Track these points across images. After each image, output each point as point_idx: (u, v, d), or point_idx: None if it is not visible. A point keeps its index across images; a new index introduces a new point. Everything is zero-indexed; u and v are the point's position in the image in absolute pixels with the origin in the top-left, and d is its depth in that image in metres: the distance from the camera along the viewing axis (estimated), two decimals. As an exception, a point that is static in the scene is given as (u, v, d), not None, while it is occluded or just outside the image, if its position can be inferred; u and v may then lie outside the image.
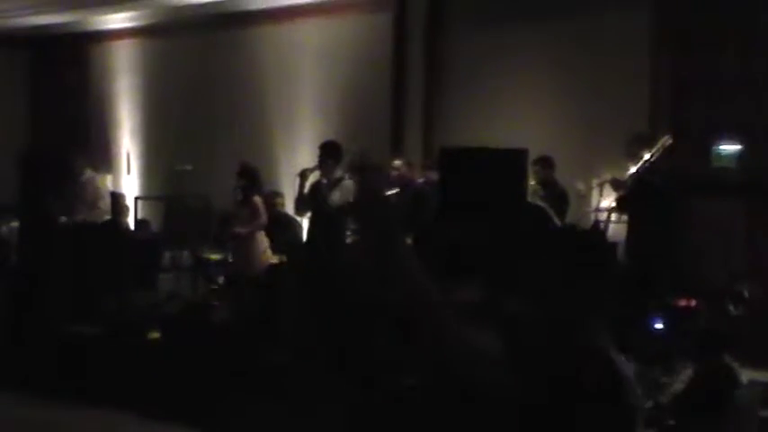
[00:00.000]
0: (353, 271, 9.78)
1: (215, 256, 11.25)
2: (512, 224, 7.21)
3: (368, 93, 13.00)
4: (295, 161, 12.37)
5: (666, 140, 9.22)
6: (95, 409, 8.65)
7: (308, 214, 10.21)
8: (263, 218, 10.33)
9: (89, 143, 15.82)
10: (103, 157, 15.36)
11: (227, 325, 8.83)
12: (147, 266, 11.72)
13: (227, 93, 14.55)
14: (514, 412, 3.24)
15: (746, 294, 8.92)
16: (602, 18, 10.99)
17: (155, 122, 15.81)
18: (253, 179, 10.41)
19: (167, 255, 12.37)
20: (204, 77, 14.81)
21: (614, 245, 9.63)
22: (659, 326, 8.40)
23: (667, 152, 9.21)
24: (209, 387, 8.30)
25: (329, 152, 9.79)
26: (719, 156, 10.14)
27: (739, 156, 10.05)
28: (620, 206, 9.32)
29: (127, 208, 13.99)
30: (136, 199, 15.05)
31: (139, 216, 14.51)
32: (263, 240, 10.38)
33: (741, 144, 10.01)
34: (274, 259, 10.72)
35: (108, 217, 11.09)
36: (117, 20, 15.90)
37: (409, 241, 9.78)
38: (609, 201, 9.45)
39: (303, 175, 9.83)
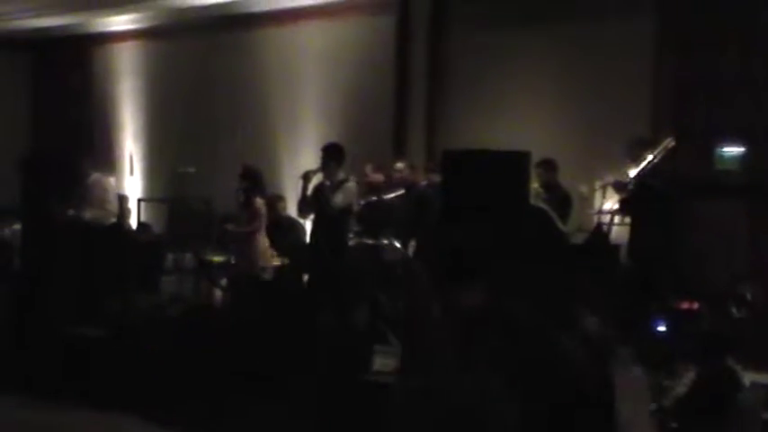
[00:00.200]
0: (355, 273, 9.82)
1: (218, 259, 11.25)
2: (514, 227, 7.23)
3: (371, 95, 13.01)
4: (298, 163, 12.38)
5: (669, 143, 9.23)
6: (98, 412, 8.65)
7: (311, 216, 10.21)
8: (261, 221, 10.34)
9: (92, 145, 15.83)
10: (106, 159, 15.37)
11: (231, 327, 8.83)
12: (149, 269, 11.72)
13: (230, 95, 14.57)
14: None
15: (749, 297, 8.92)
16: (605, 21, 10.99)
17: (158, 124, 15.83)
18: (255, 181, 10.42)
19: (170, 257, 12.38)
20: (207, 80, 14.83)
21: (617, 247, 9.69)
22: (662, 328, 8.40)
23: (670, 155, 9.22)
24: (212, 390, 8.30)
25: (332, 154, 9.79)
26: (722, 158, 10.14)
27: (742, 158, 10.05)
28: (623, 209, 9.33)
29: (129, 210, 14.00)
30: (139, 201, 15.06)
31: (142, 218, 14.52)
32: (263, 242, 10.39)
33: (743, 146, 10.02)
34: (277, 261, 10.73)
35: (114, 219, 11.10)
36: (119, 22, 15.92)
37: (413, 243, 9.84)
38: (611, 203, 9.45)
39: (306, 178, 9.84)
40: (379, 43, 12.98)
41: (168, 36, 15.58)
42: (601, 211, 9.66)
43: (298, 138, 13.68)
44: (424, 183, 10.27)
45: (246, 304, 9.65)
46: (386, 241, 9.97)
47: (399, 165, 10.55)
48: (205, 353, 8.53)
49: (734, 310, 8.77)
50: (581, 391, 3.46)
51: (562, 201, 9.74)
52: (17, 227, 12.02)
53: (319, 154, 9.95)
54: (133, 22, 15.80)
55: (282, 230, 11.24)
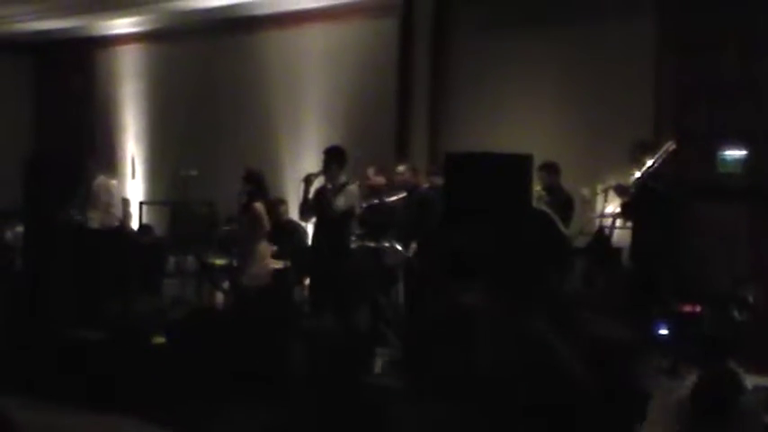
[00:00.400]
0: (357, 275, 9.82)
1: (220, 262, 11.25)
2: (516, 230, 7.23)
3: (373, 98, 13.01)
4: (300, 166, 12.38)
5: (670, 146, 9.23)
6: (99, 414, 8.65)
7: (313, 219, 10.21)
8: (266, 224, 10.32)
9: (94, 148, 15.85)
10: (108, 162, 15.38)
11: (232, 330, 8.83)
12: (150, 271, 11.72)
13: (233, 98, 14.57)
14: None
15: (751, 300, 8.92)
16: (607, 24, 10.99)
17: (160, 127, 15.84)
18: (258, 184, 10.41)
19: (172, 260, 12.38)
20: (209, 83, 14.84)
21: (619, 250, 9.69)
22: (664, 331, 8.40)
23: (671, 158, 9.22)
24: (213, 393, 8.30)
25: (334, 157, 9.80)
26: (723, 161, 10.14)
27: (743, 161, 10.05)
28: (625, 212, 9.33)
29: (131, 213, 14.01)
30: (141, 204, 15.07)
31: (144, 221, 14.53)
32: (264, 245, 10.38)
33: (745, 149, 10.01)
34: (278, 264, 10.73)
35: (118, 222, 11.12)
36: (122, 25, 15.93)
37: (414, 246, 9.84)
38: (613, 206, 9.45)
39: (308, 181, 9.84)
40: (382, 46, 12.98)
41: (171, 39, 15.59)
42: (603, 215, 9.66)
43: (300, 140, 13.69)
44: (426, 185, 10.27)
45: (248, 307, 9.66)
46: (387, 244, 9.97)
47: (401, 168, 10.55)
48: (206, 355, 8.53)
49: (735, 313, 8.76)
50: (574, 396, 3.46)
51: (564, 204, 9.74)
52: (19, 229, 12.04)
53: (321, 157, 9.95)
54: (135, 25, 15.81)
55: (284, 234, 11.24)
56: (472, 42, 12.22)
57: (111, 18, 15.55)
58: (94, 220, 10.98)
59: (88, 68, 17.01)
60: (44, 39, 16.56)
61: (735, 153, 10.03)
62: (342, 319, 8.53)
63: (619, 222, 9.54)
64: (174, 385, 8.52)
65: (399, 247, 9.86)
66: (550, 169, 9.86)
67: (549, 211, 9.42)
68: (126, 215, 13.21)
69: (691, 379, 6.89)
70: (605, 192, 9.50)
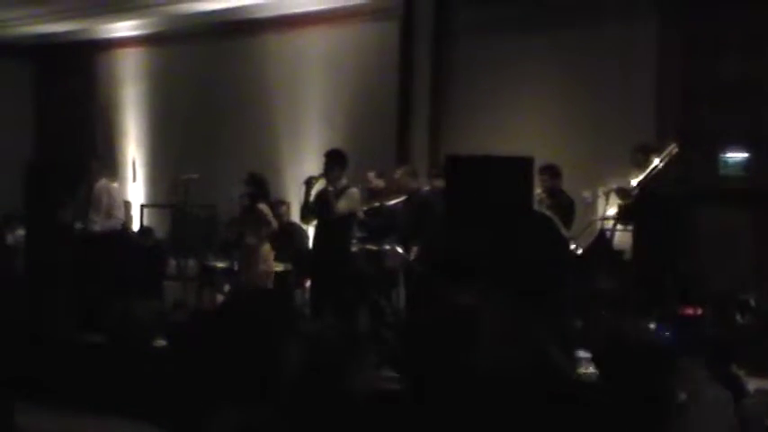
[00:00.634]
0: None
1: (221, 265, 11.25)
2: (518, 233, 7.21)
3: (374, 101, 13.01)
4: (301, 169, 12.38)
5: (672, 149, 9.22)
6: (99, 416, 8.64)
7: (314, 222, 10.20)
8: (273, 224, 10.33)
9: (95, 151, 15.84)
10: (110, 165, 15.37)
11: (234, 334, 8.80)
12: (151, 274, 11.71)
13: (234, 101, 14.57)
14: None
15: (753, 302, 8.91)
16: (609, 26, 11.00)
17: (160, 131, 15.84)
18: (260, 187, 10.41)
19: (173, 263, 12.37)
20: (210, 86, 14.84)
21: (621, 253, 9.68)
22: (665, 334, 8.38)
23: (673, 160, 9.21)
24: (214, 396, 8.27)
25: (335, 160, 9.79)
26: (725, 163, 10.14)
27: (745, 163, 10.05)
28: (626, 215, 9.32)
29: (132, 216, 14.00)
30: (142, 207, 15.06)
31: (145, 224, 14.52)
32: (269, 248, 10.38)
33: (747, 152, 10.01)
34: (279, 267, 10.72)
35: (120, 226, 11.11)
36: (123, 28, 15.93)
37: (415, 249, 9.83)
38: (615, 209, 9.44)
39: (309, 183, 9.83)
40: (383, 49, 12.99)
41: (171, 42, 15.59)
42: (604, 217, 9.65)
43: (301, 143, 13.69)
44: (426, 188, 10.26)
45: (248, 310, 9.63)
46: (388, 247, 9.96)
47: (398, 171, 10.55)
48: (207, 358, 8.50)
49: (737, 316, 8.75)
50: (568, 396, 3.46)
51: (565, 207, 9.72)
52: (21, 232, 12.03)
53: (322, 160, 9.95)
54: (136, 28, 15.82)
55: (285, 236, 11.23)
56: (473, 45, 12.22)
57: (112, 21, 15.56)
58: (96, 223, 10.97)
59: (89, 72, 17.01)
60: (45, 42, 16.57)
61: (737, 155, 10.03)
62: (342, 322, 8.53)
63: (620, 225, 9.53)
64: (175, 388, 8.50)
65: (400, 250, 9.85)
66: (551, 172, 9.85)
67: (550, 214, 9.41)
68: (127, 218, 13.19)
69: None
70: (607, 194, 9.49)
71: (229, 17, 14.21)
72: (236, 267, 10.79)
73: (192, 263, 11.97)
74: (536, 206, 9.10)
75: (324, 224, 9.84)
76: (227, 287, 10.91)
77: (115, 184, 12.07)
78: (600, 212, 9.72)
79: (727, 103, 10.13)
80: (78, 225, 10.83)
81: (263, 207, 10.28)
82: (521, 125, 11.51)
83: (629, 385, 3.55)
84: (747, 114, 10.07)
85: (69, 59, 17.09)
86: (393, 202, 10.37)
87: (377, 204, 10.43)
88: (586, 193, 9.83)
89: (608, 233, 9.63)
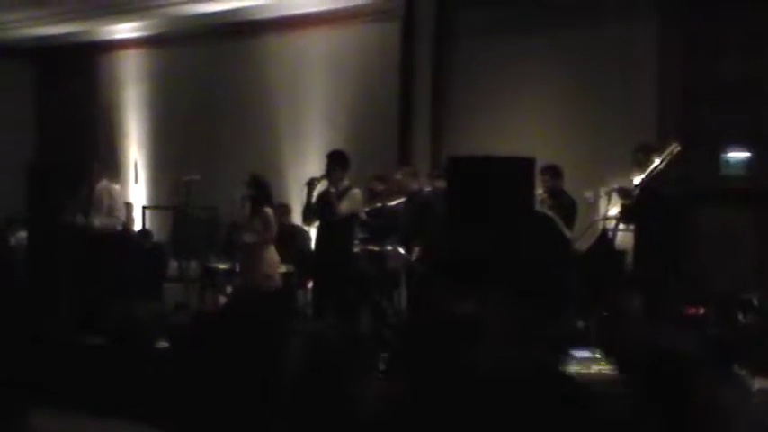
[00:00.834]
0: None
1: (223, 266, 11.24)
2: (519, 233, 7.22)
3: (376, 102, 13.01)
4: (303, 170, 12.37)
5: (674, 148, 9.22)
6: (99, 418, 8.62)
7: (316, 223, 10.21)
8: (274, 229, 10.32)
9: (97, 153, 15.85)
10: (111, 167, 15.38)
11: (237, 335, 8.80)
12: (150, 276, 11.69)
13: (235, 102, 14.57)
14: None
15: (755, 302, 8.90)
16: (609, 26, 11.00)
17: (162, 132, 15.84)
18: (262, 190, 10.39)
19: (175, 264, 12.37)
20: (211, 87, 14.84)
21: (622, 253, 9.68)
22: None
23: (675, 160, 9.21)
24: (215, 398, 8.28)
25: (336, 161, 9.79)
26: (727, 163, 10.14)
27: (747, 163, 10.04)
28: (627, 215, 9.31)
29: (133, 218, 14.00)
30: (143, 208, 15.07)
31: (147, 226, 14.53)
32: (274, 252, 10.38)
33: (748, 151, 10.01)
34: (282, 268, 10.71)
35: (121, 227, 11.11)
36: (124, 30, 15.93)
37: (417, 250, 9.84)
38: (617, 209, 9.44)
39: (311, 185, 9.83)
40: (384, 50, 12.98)
41: (172, 44, 15.59)
42: (606, 217, 9.65)
43: (302, 145, 13.69)
44: (428, 189, 10.26)
45: (251, 312, 9.63)
46: (390, 248, 9.97)
47: (400, 172, 10.56)
48: (209, 360, 8.50)
49: (740, 316, 8.75)
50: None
51: (567, 207, 9.72)
52: (23, 234, 12.04)
53: (324, 161, 9.95)
54: (137, 30, 15.82)
55: (287, 238, 11.22)
56: (474, 45, 12.22)
57: (113, 23, 15.56)
58: (97, 224, 10.97)
59: (90, 74, 17.01)
60: (46, 44, 16.57)
61: (738, 155, 10.03)
62: (344, 322, 8.53)
63: (622, 225, 9.53)
64: (177, 390, 8.50)
65: (402, 251, 9.86)
66: (553, 172, 9.84)
67: (552, 214, 9.41)
68: (128, 220, 13.19)
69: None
70: (608, 194, 9.49)
71: (230, 18, 14.21)
72: (238, 269, 10.77)
73: (193, 264, 11.96)
74: (537, 207, 9.10)
75: (326, 225, 9.84)
76: (229, 288, 10.91)
77: (116, 186, 12.07)
78: (602, 213, 9.72)
79: (728, 103, 10.12)
80: (79, 226, 10.83)
81: (269, 211, 10.28)
82: (522, 126, 11.50)
83: (665, 392, 3.55)
84: (748, 114, 10.07)
85: (70, 61, 17.10)
86: (395, 202, 10.38)
87: (378, 205, 10.43)
88: (588, 194, 9.83)
89: (610, 233, 9.63)
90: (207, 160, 14.09)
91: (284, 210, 11.89)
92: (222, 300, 11.03)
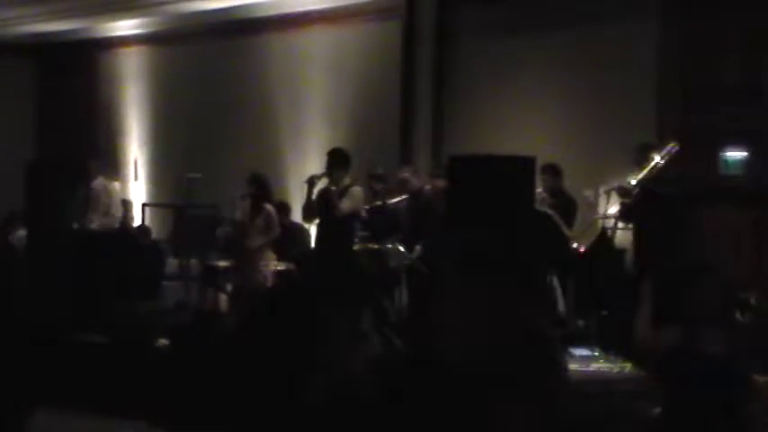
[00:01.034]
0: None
1: (223, 264, 11.25)
2: (520, 231, 7.23)
3: (376, 100, 13.02)
4: (304, 168, 12.38)
5: (672, 147, 9.22)
6: (98, 418, 8.65)
7: (316, 221, 10.22)
8: (277, 228, 10.36)
9: (97, 150, 15.86)
10: (111, 164, 15.38)
11: (237, 335, 8.81)
12: (148, 273, 11.69)
13: (236, 100, 14.58)
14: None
15: (753, 302, 8.91)
16: (610, 26, 11.01)
17: (163, 130, 15.85)
18: (263, 188, 10.41)
19: (176, 263, 12.37)
20: (212, 85, 14.84)
21: (621, 252, 9.70)
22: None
23: (674, 160, 9.21)
24: (216, 396, 8.28)
25: (337, 159, 9.80)
26: (726, 163, 10.14)
27: (746, 163, 10.05)
28: (624, 215, 9.32)
29: (133, 216, 14.00)
30: (143, 206, 15.07)
31: (147, 223, 14.52)
32: (270, 251, 10.41)
33: (747, 151, 10.02)
34: (281, 266, 10.72)
35: (118, 225, 11.12)
36: (124, 27, 15.95)
37: (418, 248, 9.85)
38: (616, 208, 9.45)
39: (311, 182, 9.85)
40: (385, 48, 13.00)
41: (173, 41, 15.60)
42: (606, 216, 9.66)
43: (303, 143, 13.70)
44: (429, 187, 10.27)
45: (251, 310, 9.64)
46: (390, 246, 9.98)
47: (406, 170, 10.57)
48: (210, 359, 8.52)
49: (738, 315, 8.75)
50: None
51: (566, 206, 9.74)
52: (22, 233, 12.04)
53: (325, 159, 9.96)
54: (138, 27, 15.83)
55: (287, 236, 11.24)
56: (475, 44, 12.23)
57: (114, 20, 15.57)
58: (94, 221, 10.99)
59: (91, 71, 17.02)
60: (46, 41, 16.58)
61: (737, 155, 10.04)
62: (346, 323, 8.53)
63: (621, 224, 9.54)
64: (177, 389, 8.52)
65: (402, 249, 9.87)
66: (552, 171, 9.86)
67: (552, 213, 9.43)
68: (128, 217, 13.20)
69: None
70: (608, 193, 9.50)
71: (231, 16, 14.23)
72: (237, 266, 10.76)
73: (194, 262, 11.97)
74: (537, 205, 9.11)
75: (326, 223, 9.85)
76: (229, 287, 10.91)
77: (116, 183, 12.10)
78: (601, 211, 9.73)
79: (728, 103, 10.12)
80: (76, 224, 10.85)
81: (270, 209, 10.31)
82: (522, 125, 11.52)
83: (700, 395, 3.59)
84: (748, 113, 10.07)
85: (70, 58, 17.10)
86: (395, 200, 10.39)
87: (379, 203, 10.44)
88: (588, 192, 9.84)
89: (609, 232, 9.64)
90: (207, 158, 14.11)
91: (285, 207, 11.90)
92: (223, 298, 11.03)
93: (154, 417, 8.37)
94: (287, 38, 14.17)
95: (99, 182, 11.21)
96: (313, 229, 10.79)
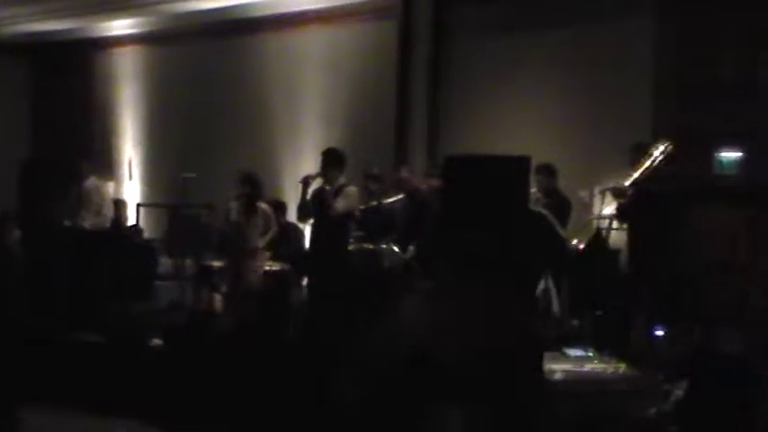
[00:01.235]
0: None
1: (218, 264, 11.24)
2: (514, 232, 7.23)
3: (372, 100, 13.02)
4: (299, 168, 12.38)
5: (667, 147, 9.22)
6: (97, 417, 8.64)
7: (311, 221, 10.22)
8: (275, 226, 10.37)
9: (91, 150, 15.83)
10: (106, 164, 15.37)
11: (231, 334, 8.81)
12: (140, 273, 11.68)
13: (231, 100, 14.57)
14: None
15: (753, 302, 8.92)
16: (605, 25, 11.01)
17: (157, 130, 15.84)
18: (255, 188, 10.41)
19: (170, 262, 12.35)
20: (207, 85, 14.83)
21: (616, 252, 9.70)
22: (660, 333, 8.41)
23: (669, 159, 9.20)
24: (212, 397, 8.28)
25: (332, 159, 9.79)
26: (721, 162, 10.14)
27: (741, 162, 10.05)
28: (621, 214, 9.31)
29: (127, 215, 13.99)
30: (138, 206, 15.05)
31: (141, 223, 14.50)
32: (265, 251, 10.41)
33: (743, 151, 10.02)
34: (276, 266, 10.72)
35: (109, 224, 11.11)
36: (119, 27, 15.92)
37: (412, 248, 9.85)
38: (611, 208, 9.44)
39: (306, 182, 9.84)
40: (381, 48, 12.99)
41: (168, 41, 15.59)
42: (601, 216, 9.65)
43: (299, 143, 13.69)
44: (424, 187, 10.27)
45: (245, 309, 9.65)
46: (385, 246, 9.97)
47: (404, 170, 10.57)
48: (205, 359, 8.52)
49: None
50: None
51: (561, 206, 9.74)
52: (18, 232, 12.02)
53: (320, 159, 9.96)
54: (133, 27, 15.81)
55: (282, 236, 11.23)
56: (471, 43, 12.23)
57: (109, 20, 15.55)
58: (85, 221, 10.97)
59: (86, 70, 17.00)
60: (41, 40, 16.55)
61: (733, 154, 10.04)
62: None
63: (615, 224, 9.54)
64: (171, 388, 8.51)
65: (396, 249, 9.86)
66: (547, 171, 9.85)
67: (547, 213, 9.42)
68: (121, 217, 13.18)
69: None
70: (603, 193, 9.49)
71: (227, 16, 14.21)
72: (230, 266, 10.75)
73: (188, 262, 11.96)
74: (532, 205, 9.10)
75: (321, 223, 9.84)
76: (224, 287, 10.90)
77: (109, 183, 12.08)
78: (596, 212, 9.73)
79: (724, 101, 10.12)
80: (67, 223, 10.83)
81: (266, 207, 10.31)
82: (517, 125, 11.51)
83: (719, 395, 3.60)
84: (744, 112, 10.06)
85: (66, 58, 17.08)
86: (390, 200, 10.39)
87: (374, 203, 10.44)
88: (583, 193, 9.84)
89: (604, 232, 9.63)
90: (203, 158, 14.10)
91: (281, 206, 11.89)
92: (218, 298, 11.02)
93: (148, 416, 8.36)
94: (282, 38, 14.16)
95: (91, 181, 11.19)
96: (308, 229, 10.78)
